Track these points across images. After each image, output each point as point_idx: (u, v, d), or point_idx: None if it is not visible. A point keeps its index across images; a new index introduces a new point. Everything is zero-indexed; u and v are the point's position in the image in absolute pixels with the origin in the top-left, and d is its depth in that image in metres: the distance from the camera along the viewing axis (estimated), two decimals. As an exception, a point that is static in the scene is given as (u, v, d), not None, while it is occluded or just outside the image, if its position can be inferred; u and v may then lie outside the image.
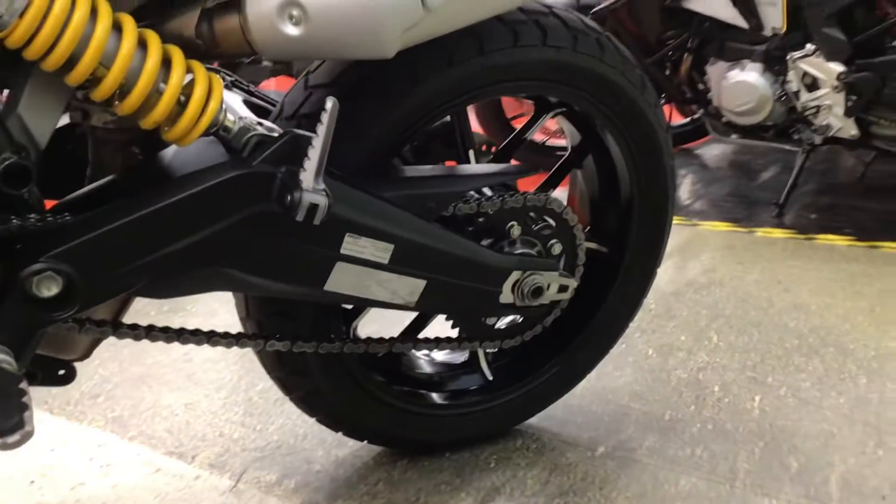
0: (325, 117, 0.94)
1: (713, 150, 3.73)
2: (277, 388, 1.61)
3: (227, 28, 0.98)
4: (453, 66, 1.14)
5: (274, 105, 1.26)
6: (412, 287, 1.15)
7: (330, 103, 0.94)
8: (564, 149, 1.42)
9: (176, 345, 1.84)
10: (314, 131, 0.98)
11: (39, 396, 1.55)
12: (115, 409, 1.59)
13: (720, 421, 1.56)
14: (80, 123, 1.03)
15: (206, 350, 1.83)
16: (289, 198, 0.95)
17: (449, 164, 1.32)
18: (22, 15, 0.84)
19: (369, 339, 1.25)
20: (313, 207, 0.95)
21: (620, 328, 1.53)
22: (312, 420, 1.55)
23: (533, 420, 1.54)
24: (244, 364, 1.79)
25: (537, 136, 3.10)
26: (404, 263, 1.12)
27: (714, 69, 2.87)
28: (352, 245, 1.07)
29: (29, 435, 0.87)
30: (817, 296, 2.13)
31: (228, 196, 0.96)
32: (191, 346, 1.82)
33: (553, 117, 1.34)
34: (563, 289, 1.30)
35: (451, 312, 1.27)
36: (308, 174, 0.94)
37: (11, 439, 0.86)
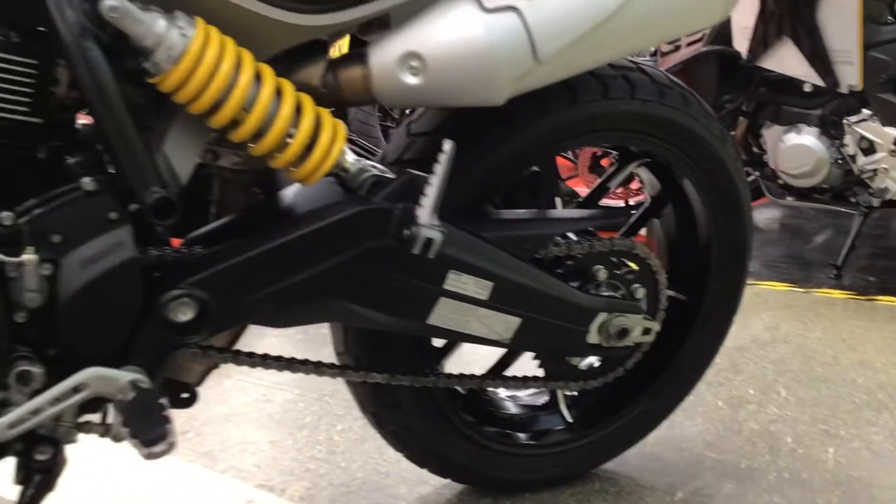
0: (442, 158, 1.02)
1: (765, 214, 3.76)
2: (357, 429, 1.67)
3: (351, 78, 1.07)
4: (548, 115, 1.22)
5: (371, 152, 1.34)
6: (507, 324, 1.20)
7: (448, 145, 1.02)
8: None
9: (255, 387, 1.92)
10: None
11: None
12: (204, 445, 1.66)
13: (796, 470, 1.57)
14: (210, 164, 1.12)
15: (284, 392, 1.90)
16: (406, 232, 1.02)
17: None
18: (177, 62, 0.93)
19: (462, 374, 1.31)
20: (429, 241, 1.02)
21: (696, 376, 1.56)
22: (393, 459, 1.60)
23: (609, 465, 1.57)
24: (322, 406, 1.85)
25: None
26: (502, 301, 1.17)
27: (770, 133, 2.94)
28: (455, 281, 1.14)
29: (172, 446, 0.94)
30: (883, 354, 2.13)
31: (351, 230, 1.04)
32: (269, 389, 1.90)
33: (637, 167, 1.41)
34: (646, 332, 1.34)
35: (541, 350, 1.32)
36: (425, 210, 1.02)
37: (158, 449, 0.93)
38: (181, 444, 1.67)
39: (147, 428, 0.93)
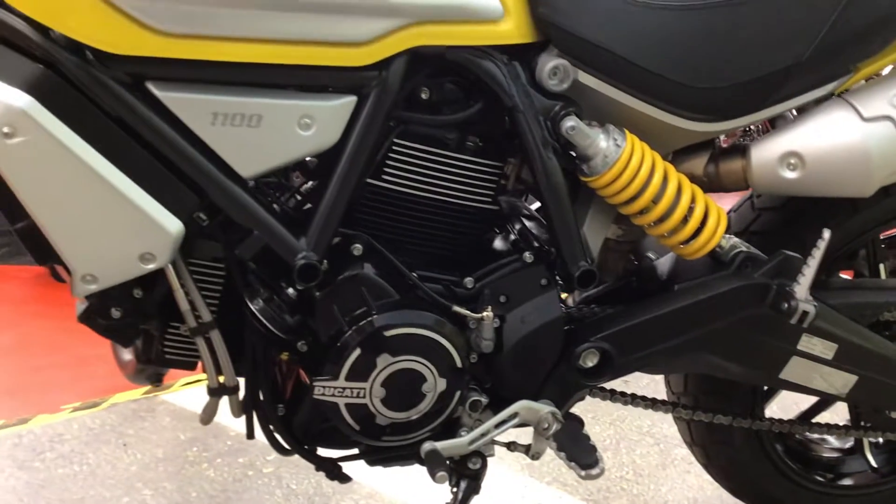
0: (821, 244, 1.21)
1: None
2: (655, 455, 1.87)
3: (731, 169, 1.28)
4: (890, 196, 1.37)
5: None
6: (846, 381, 1.36)
7: (827, 234, 1.21)
8: None
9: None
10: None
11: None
12: (526, 457, 1.91)
13: None
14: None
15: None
16: (785, 305, 1.22)
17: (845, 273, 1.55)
18: (610, 167, 1.18)
19: (791, 420, 1.48)
20: (805, 314, 1.21)
21: None
22: (696, 486, 1.79)
23: (906, 509, 1.69)
24: (616, 430, 2.07)
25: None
26: (844, 361, 1.34)
27: None
28: (806, 343, 1.31)
29: (603, 470, 1.18)
30: None
31: (735, 300, 1.24)
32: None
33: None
34: (968, 393, 1.46)
35: (871, 405, 1.47)
36: (802, 287, 1.21)
37: (595, 472, 1.18)
38: (504, 455, 1.94)
39: (582, 454, 1.18)
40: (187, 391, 2.26)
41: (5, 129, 0.97)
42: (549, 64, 1.14)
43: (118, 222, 1.02)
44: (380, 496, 1.75)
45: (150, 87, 1.01)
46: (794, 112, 1.34)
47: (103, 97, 1.00)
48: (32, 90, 0.98)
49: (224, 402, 1.22)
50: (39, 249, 1.05)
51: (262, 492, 1.79)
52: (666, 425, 2.06)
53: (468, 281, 1.22)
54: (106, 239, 1.03)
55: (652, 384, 1.98)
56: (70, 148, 0.99)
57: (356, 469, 1.78)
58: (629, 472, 1.87)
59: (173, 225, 1.05)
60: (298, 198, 1.18)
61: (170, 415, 2.13)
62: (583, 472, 1.18)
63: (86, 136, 1.00)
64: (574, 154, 1.19)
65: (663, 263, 1.35)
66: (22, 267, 3.72)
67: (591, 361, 1.25)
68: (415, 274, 1.18)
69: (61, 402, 2.27)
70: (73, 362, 2.60)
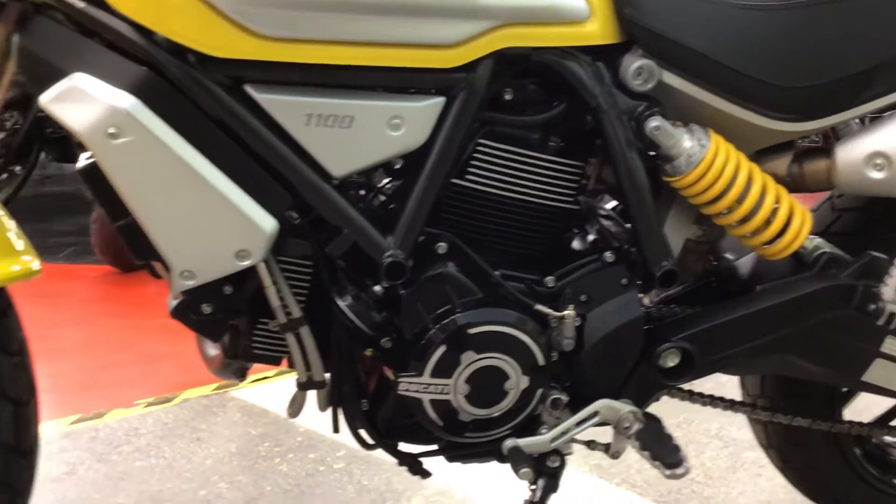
0: (909, 246, 1.19)
1: None
2: (724, 458, 1.86)
3: (815, 170, 1.27)
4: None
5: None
6: (929, 383, 1.34)
7: (919, 237, 1.19)
8: None
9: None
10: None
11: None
12: (594, 458, 1.92)
13: None
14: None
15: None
16: (872, 307, 1.20)
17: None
18: (695, 167, 1.18)
19: (872, 423, 1.46)
20: (892, 316, 1.20)
21: None
22: (769, 489, 1.78)
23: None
24: (683, 432, 2.05)
25: None
26: (929, 363, 1.32)
27: None
28: (890, 344, 1.30)
29: (688, 469, 1.19)
30: None
31: (820, 301, 1.24)
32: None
33: None
34: None
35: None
36: (890, 288, 1.20)
37: (680, 471, 1.18)
38: (574, 455, 1.94)
39: (667, 453, 1.19)
40: (256, 388, 2.30)
41: (111, 130, 1.01)
42: (633, 64, 1.15)
43: (217, 220, 1.06)
44: (451, 493, 1.77)
45: (248, 89, 1.05)
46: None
47: (203, 99, 1.04)
48: (136, 92, 1.02)
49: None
50: (139, 246, 1.09)
51: (334, 487, 1.82)
52: (734, 428, 2.04)
53: (549, 280, 1.22)
54: (204, 236, 1.07)
55: (718, 386, 1.97)
56: (172, 148, 1.03)
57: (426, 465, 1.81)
58: (699, 475, 1.85)
59: (268, 223, 1.08)
60: (383, 197, 1.21)
61: (240, 410, 2.17)
62: (668, 472, 1.18)
63: (187, 136, 1.04)
64: (656, 154, 1.19)
65: (744, 264, 1.35)
66: (89, 266, 3.83)
67: (671, 361, 1.25)
68: (497, 272, 1.20)
69: (134, 398, 2.33)
70: (142, 359, 2.67)
